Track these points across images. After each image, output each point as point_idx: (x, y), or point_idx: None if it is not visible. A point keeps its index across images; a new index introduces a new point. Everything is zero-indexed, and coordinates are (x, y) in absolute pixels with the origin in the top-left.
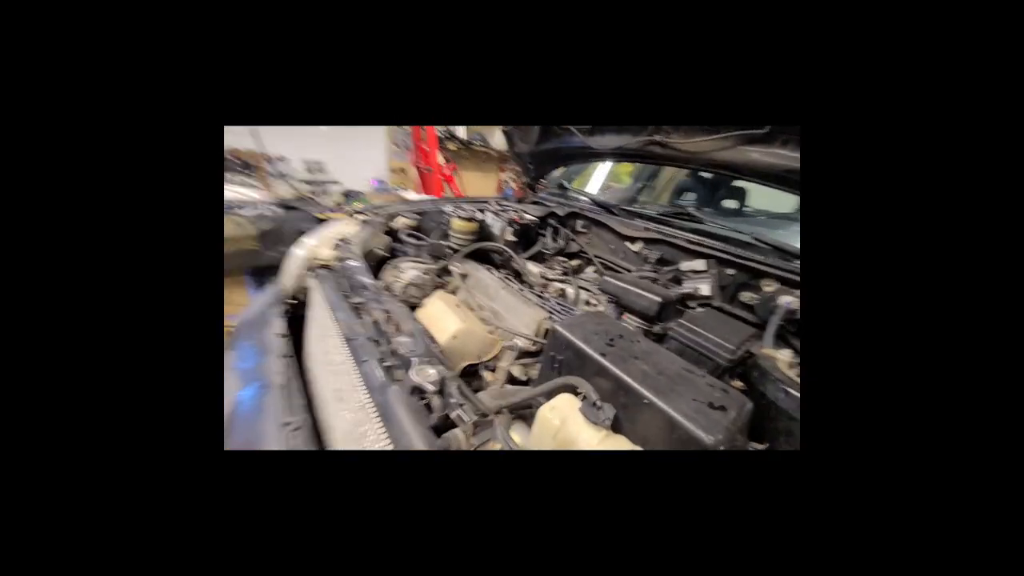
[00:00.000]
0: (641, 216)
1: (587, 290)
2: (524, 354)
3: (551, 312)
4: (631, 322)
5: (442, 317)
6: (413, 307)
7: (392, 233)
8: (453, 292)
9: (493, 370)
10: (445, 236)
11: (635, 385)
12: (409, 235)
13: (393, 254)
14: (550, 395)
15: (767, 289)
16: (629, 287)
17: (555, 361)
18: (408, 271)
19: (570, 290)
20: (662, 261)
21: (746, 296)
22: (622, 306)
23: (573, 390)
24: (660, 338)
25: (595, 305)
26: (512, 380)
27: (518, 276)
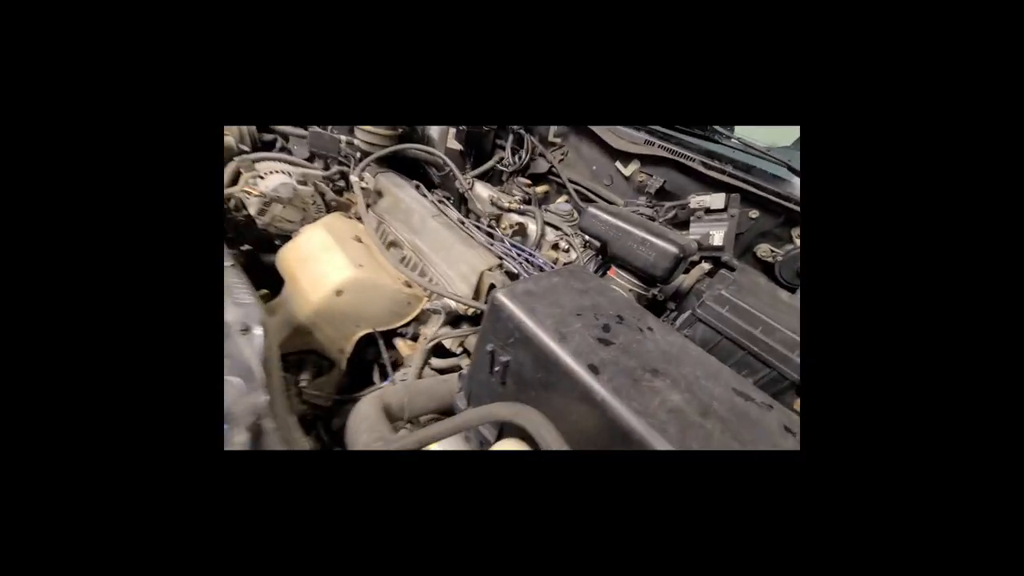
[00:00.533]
0: (640, 128)
1: (557, 228)
2: (459, 319)
3: (501, 258)
4: (619, 283)
5: (322, 258)
6: (280, 239)
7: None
8: (357, 219)
9: (415, 339)
10: (351, 131)
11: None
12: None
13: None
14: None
15: (800, 241)
16: (629, 228)
17: (496, 360)
18: (272, 177)
19: (532, 226)
20: (663, 193)
21: (763, 249)
22: (612, 257)
23: (522, 434)
24: (653, 307)
25: (566, 251)
26: (441, 352)
27: (462, 203)
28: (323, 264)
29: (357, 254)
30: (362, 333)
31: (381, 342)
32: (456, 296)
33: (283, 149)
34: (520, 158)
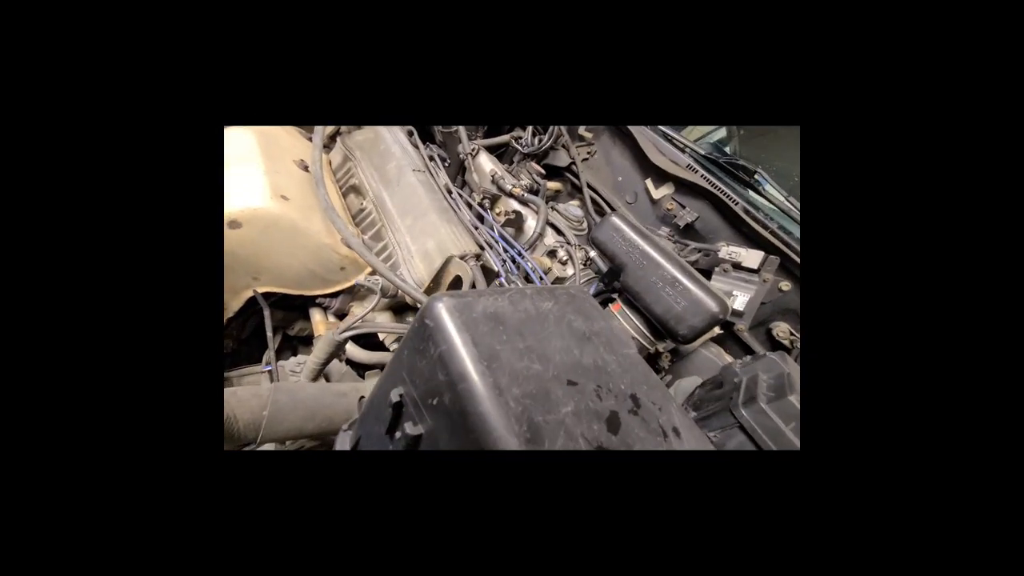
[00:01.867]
0: (685, 148)
1: (559, 232)
2: (406, 306)
3: (482, 247)
4: (620, 324)
5: (232, 172)
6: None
7: None
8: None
9: (340, 317)
10: None
11: None
12: None
13: None
14: None
15: None
16: (661, 259)
17: (400, 422)
18: None
19: (531, 221)
20: (690, 231)
21: (782, 329)
22: (623, 288)
23: None
24: (652, 360)
25: (563, 262)
26: (368, 342)
27: (459, 172)
28: (229, 179)
29: (287, 182)
30: (261, 290)
31: (267, 312)
32: (401, 281)
33: None
34: (540, 141)
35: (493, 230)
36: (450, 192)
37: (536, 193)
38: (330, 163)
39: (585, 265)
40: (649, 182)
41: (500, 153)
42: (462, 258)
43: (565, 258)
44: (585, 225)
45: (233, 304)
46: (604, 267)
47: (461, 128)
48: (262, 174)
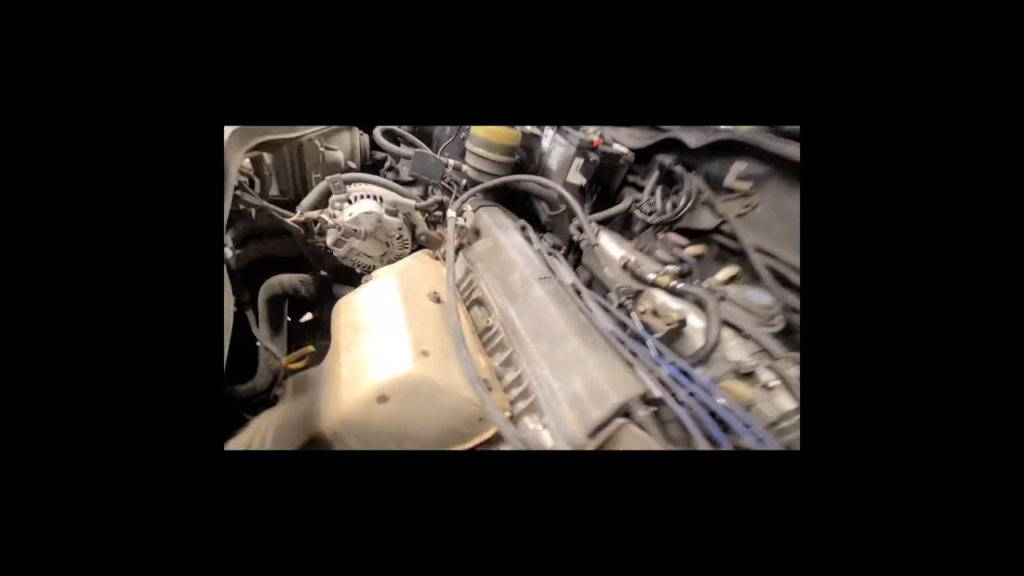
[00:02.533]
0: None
1: (744, 335)
2: None
3: (650, 372)
4: None
5: (377, 332)
6: (355, 275)
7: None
8: (444, 254)
9: None
10: (462, 153)
11: None
12: (397, 139)
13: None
14: None
15: None
16: None
17: None
18: (358, 204)
19: (695, 320)
20: None
21: None
22: None
23: None
24: None
25: (768, 387)
26: None
27: (574, 251)
28: (375, 343)
29: (426, 329)
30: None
31: None
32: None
33: (391, 169)
34: (674, 205)
35: (658, 354)
36: (579, 293)
37: (690, 275)
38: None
39: None
40: None
41: (618, 217)
42: (627, 418)
43: (773, 382)
44: (778, 319)
45: None
46: None
47: (576, 207)
48: (404, 330)
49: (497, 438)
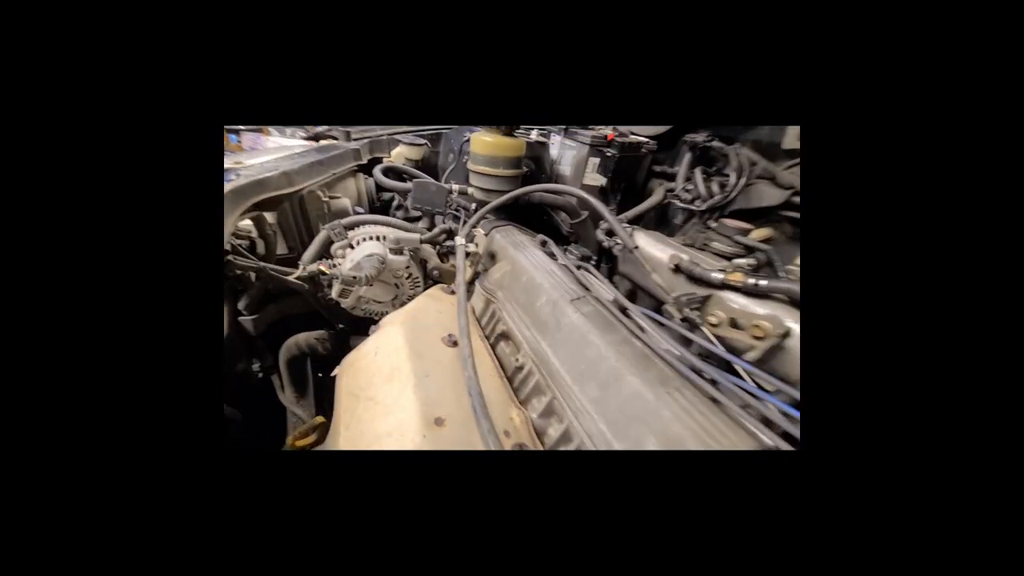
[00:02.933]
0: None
1: None
2: None
3: (753, 413)
4: None
5: (380, 400)
6: (364, 326)
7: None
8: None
9: None
10: (466, 178)
11: None
12: (400, 175)
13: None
14: None
15: None
16: None
17: None
18: (363, 246)
19: (792, 324)
20: None
21: None
22: None
23: None
24: None
25: None
26: None
27: (609, 265)
28: (378, 415)
29: (441, 387)
30: None
31: None
32: None
33: (400, 207)
34: (722, 186)
35: (743, 375)
36: (624, 311)
37: (769, 267)
38: (473, 310)
39: None
40: None
41: (660, 212)
42: None
43: None
44: None
45: None
46: None
47: (604, 210)
48: (411, 393)
49: None
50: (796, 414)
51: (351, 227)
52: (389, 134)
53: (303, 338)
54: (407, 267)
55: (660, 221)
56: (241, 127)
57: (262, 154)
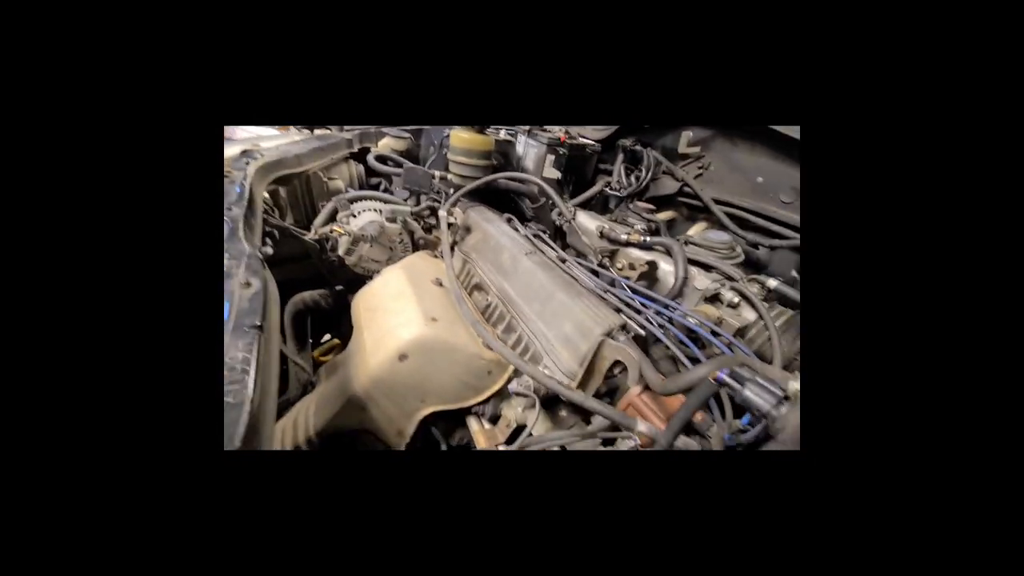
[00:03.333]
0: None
1: (709, 268)
2: (557, 400)
3: (620, 309)
4: None
5: (392, 308)
6: (358, 287)
7: (365, 160)
8: (442, 252)
9: (494, 421)
10: (446, 166)
11: None
12: (387, 161)
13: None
14: None
15: None
16: None
17: None
18: (363, 216)
19: (665, 265)
20: None
21: None
22: None
23: None
24: None
25: (733, 306)
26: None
27: (556, 236)
28: (391, 316)
29: (433, 303)
30: (427, 411)
31: (443, 444)
32: (555, 383)
33: (385, 190)
34: (637, 179)
35: (629, 291)
36: (563, 261)
37: (657, 232)
38: (453, 270)
39: (768, 297)
40: None
41: (592, 205)
42: (610, 336)
43: (736, 299)
44: (738, 250)
45: (408, 428)
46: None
47: (552, 193)
48: (414, 304)
49: (503, 392)
50: (646, 301)
51: (354, 200)
52: (377, 127)
53: (309, 295)
54: (400, 234)
55: (603, 207)
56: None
57: (251, 142)
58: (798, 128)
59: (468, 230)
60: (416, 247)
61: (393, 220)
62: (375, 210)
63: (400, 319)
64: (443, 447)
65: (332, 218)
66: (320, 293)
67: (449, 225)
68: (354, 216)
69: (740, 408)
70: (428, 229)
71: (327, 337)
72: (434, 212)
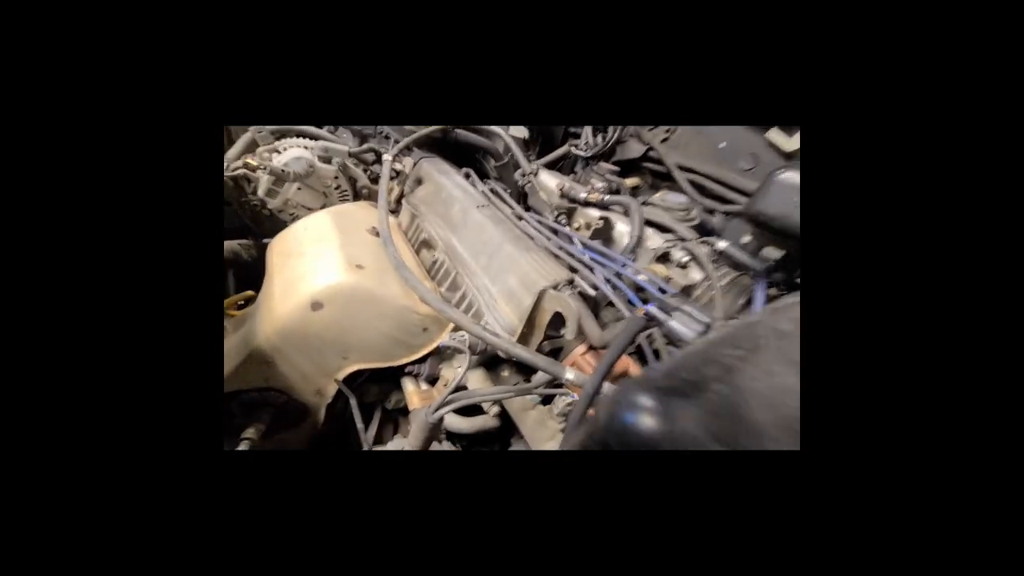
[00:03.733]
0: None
1: (664, 230)
2: (498, 359)
3: (575, 270)
4: None
5: (310, 253)
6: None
7: None
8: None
9: (432, 382)
10: None
11: None
12: None
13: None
14: None
15: None
16: None
17: None
18: (291, 151)
19: (622, 225)
20: None
21: None
22: None
23: None
24: None
25: (682, 266)
26: (466, 406)
27: (521, 199)
28: (307, 262)
29: (361, 252)
30: (351, 368)
31: (353, 402)
32: (489, 334)
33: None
34: (603, 139)
35: (582, 248)
36: (520, 218)
37: (618, 193)
38: (400, 225)
39: (718, 260)
40: (774, 133)
41: (560, 166)
42: (555, 289)
43: (685, 259)
44: (694, 213)
45: (329, 389)
46: (748, 257)
47: (516, 150)
48: (337, 249)
49: (442, 350)
50: (596, 256)
51: (280, 135)
52: None
53: (227, 245)
54: (336, 178)
55: (571, 171)
56: None
57: None
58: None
59: (419, 182)
60: (358, 197)
61: (328, 161)
62: (305, 147)
63: (317, 264)
64: (361, 425)
65: (250, 151)
66: (240, 243)
67: (397, 174)
68: (278, 152)
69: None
70: (375, 179)
71: (248, 293)
72: (379, 157)
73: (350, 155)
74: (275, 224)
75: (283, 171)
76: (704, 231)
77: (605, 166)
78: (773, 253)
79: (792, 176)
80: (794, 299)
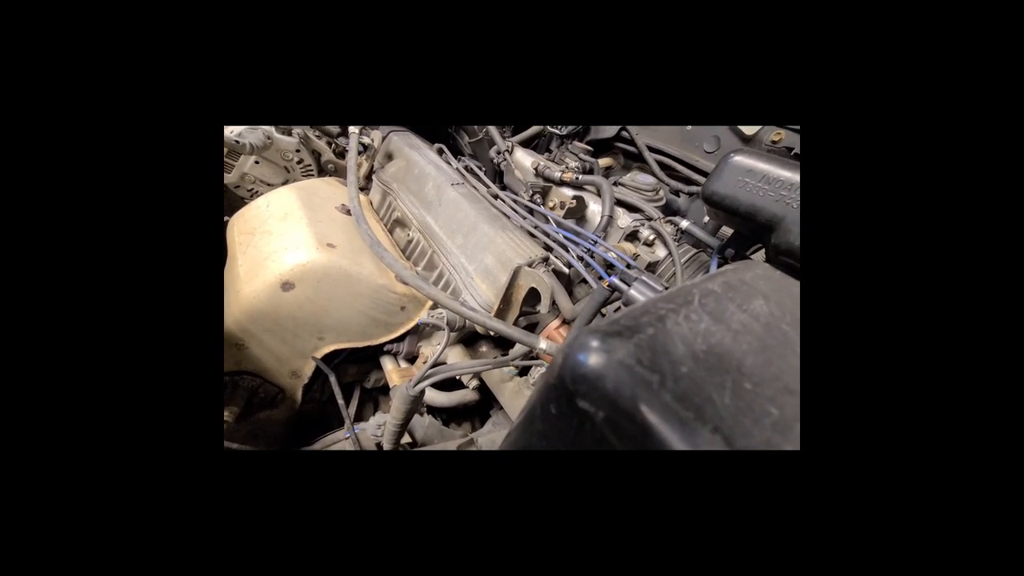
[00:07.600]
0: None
1: (634, 210)
2: (476, 335)
3: (550, 248)
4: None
5: (276, 231)
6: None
7: None
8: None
9: (411, 360)
10: None
11: None
12: None
13: None
14: None
15: None
16: None
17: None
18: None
19: (595, 205)
20: None
21: None
22: (783, 256)
23: None
24: None
25: (649, 244)
26: (444, 383)
27: (496, 178)
28: (273, 240)
29: (331, 230)
30: (327, 349)
31: (333, 379)
32: (467, 310)
33: None
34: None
35: (556, 226)
36: (496, 197)
37: (591, 173)
38: (371, 203)
39: (680, 238)
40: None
41: (535, 145)
42: (530, 266)
43: (651, 237)
44: (661, 194)
45: (306, 370)
46: (707, 235)
47: (491, 128)
48: (305, 226)
49: (421, 328)
50: (569, 235)
51: None
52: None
53: None
54: (297, 151)
55: (546, 147)
56: None
57: None
58: None
59: (389, 157)
60: (323, 172)
61: (288, 133)
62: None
63: (284, 242)
64: (342, 401)
65: None
66: None
67: (365, 148)
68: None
69: None
70: (341, 154)
71: None
72: (345, 130)
73: (313, 129)
74: (232, 200)
75: (237, 142)
76: (670, 211)
77: (579, 145)
78: (728, 231)
79: (742, 159)
80: (733, 266)
